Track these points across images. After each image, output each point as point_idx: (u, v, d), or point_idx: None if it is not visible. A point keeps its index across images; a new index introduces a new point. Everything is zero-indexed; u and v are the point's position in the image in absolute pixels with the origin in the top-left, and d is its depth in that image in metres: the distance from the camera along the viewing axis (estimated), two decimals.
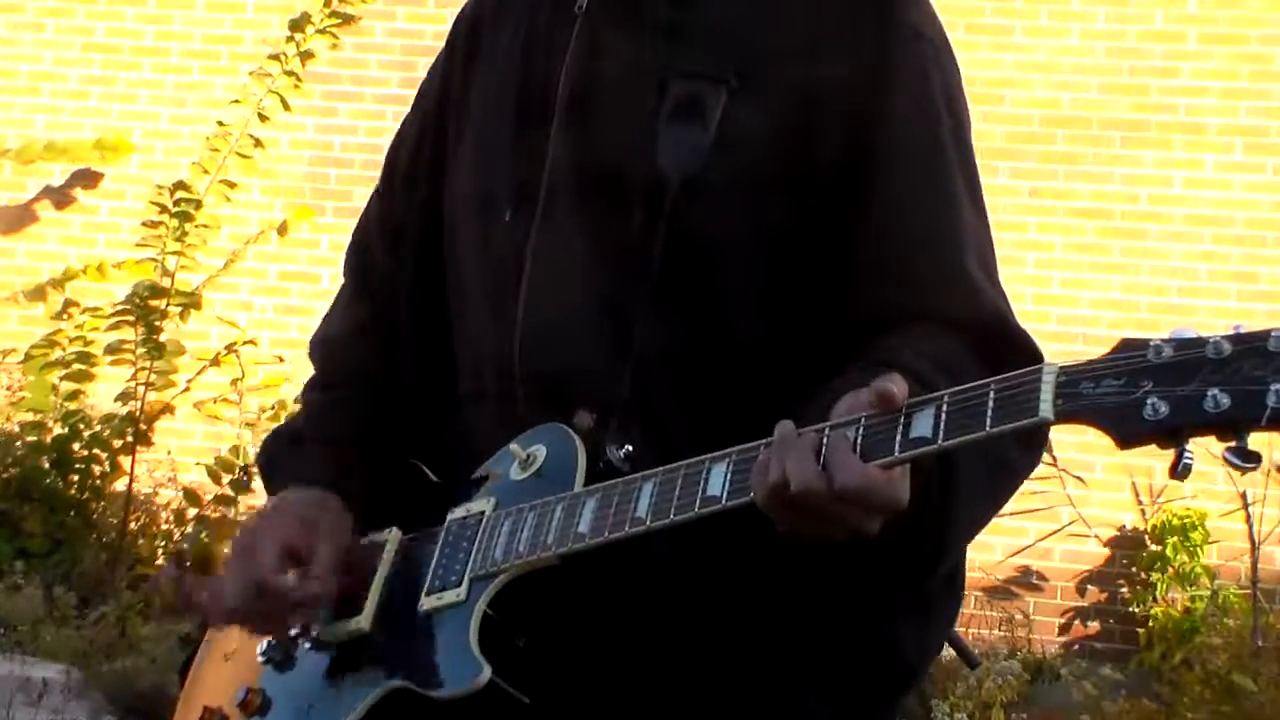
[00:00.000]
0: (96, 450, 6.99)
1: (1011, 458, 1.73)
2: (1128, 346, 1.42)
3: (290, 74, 7.10)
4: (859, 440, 1.53)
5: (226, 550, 1.93)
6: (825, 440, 1.54)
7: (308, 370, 2.16)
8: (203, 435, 7.64)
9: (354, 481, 1.97)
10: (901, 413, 1.52)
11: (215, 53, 8.15)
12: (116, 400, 6.97)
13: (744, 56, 1.83)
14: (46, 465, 7.04)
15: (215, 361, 7.06)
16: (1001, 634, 6.93)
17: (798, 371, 1.76)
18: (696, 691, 1.78)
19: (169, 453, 7.34)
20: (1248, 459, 1.36)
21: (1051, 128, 7.40)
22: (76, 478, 7.03)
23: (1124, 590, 7.12)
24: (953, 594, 1.86)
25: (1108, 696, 6.20)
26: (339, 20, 7.14)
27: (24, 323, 7.96)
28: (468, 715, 1.72)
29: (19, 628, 6.05)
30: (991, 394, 1.47)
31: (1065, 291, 7.30)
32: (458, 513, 1.85)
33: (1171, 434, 1.38)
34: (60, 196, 8.24)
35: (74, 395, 7.09)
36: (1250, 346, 1.36)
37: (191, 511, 7.01)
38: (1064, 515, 7.01)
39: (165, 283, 6.90)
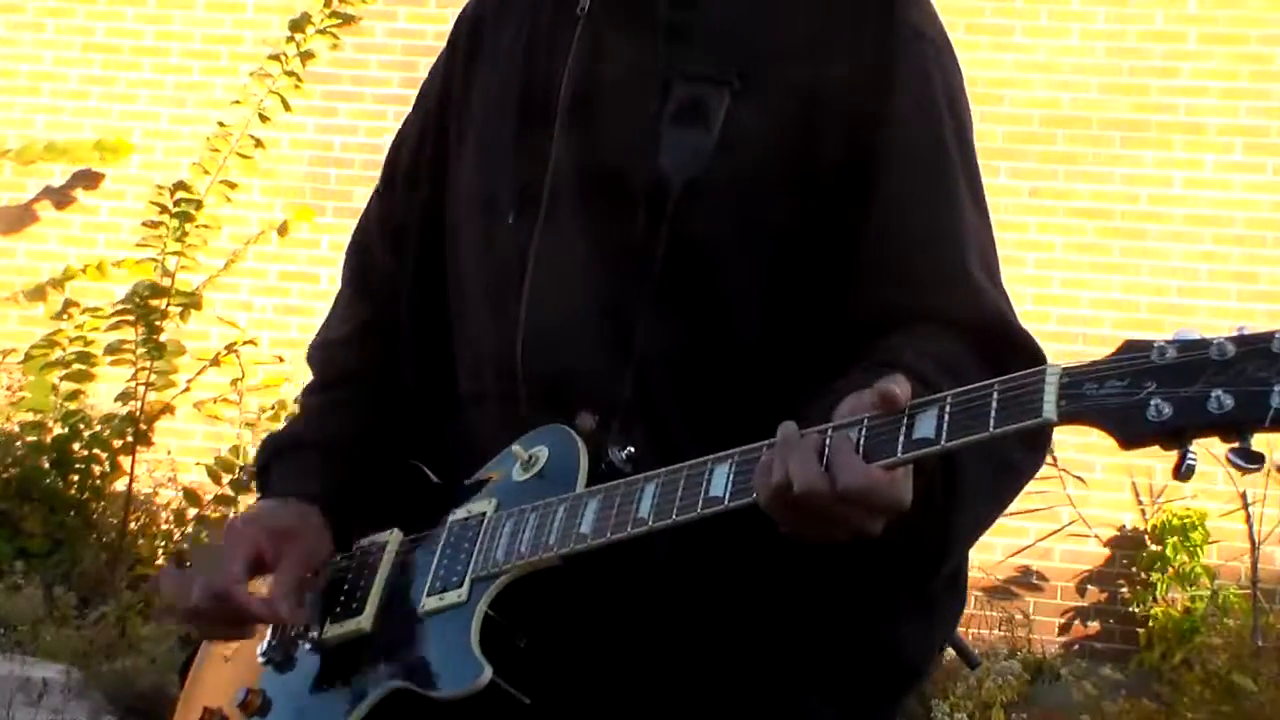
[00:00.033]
0: (96, 450, 7.00)
1: (1015, 458, 1.72)
2: (1131, 348, 1.42)
3: (291, 74, 7.11)
4: (862, 441, 1.53)
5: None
6: (828, 441, 1.54)
7: (308, 371, 2.15)
8: (203, 435, 7.64)
9: (344, 490, 1.97)
10: (905, 414, 1.52)
11: (215, 53, 8.15)
12: (116, 400, 6.97)
13: (746, 57, 1.83)
14: (46, 465, 7.04)
15: (215, 361, 7.06)
16: (1001, 634, 6.93)
17: (800, 372, 1.76)
18: (699, 692, 1.78)
19: (169, 453, 7.34)
20: (1251, 460, 1.36)
21: (1051, 128, 7.40)
22: (76, 478, 7.04)
23: (1124, 590, 7.12)
24: (956, 594, 1.86)
25: (1108, 696, 6.20)
26: (339, 21, 7.14)
27: (24, 323, 7.96)
28: (469, 716, 1.72)
29: (19, 628, 6.05)
30: (995, 395, 1.47)
31: (1065, 291, 7.30)
32: (459, 514, 1.84)
33: (1175, 435, 1.38)
34: (60, 197, 8.24)
35: (74, 395, 7.09)
36: (1254, 348, 1.36)
37: (191, 511, 7.01)
38: (1064, 515, 7.01)
39: (165, 283, 6.90)
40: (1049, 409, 1.43)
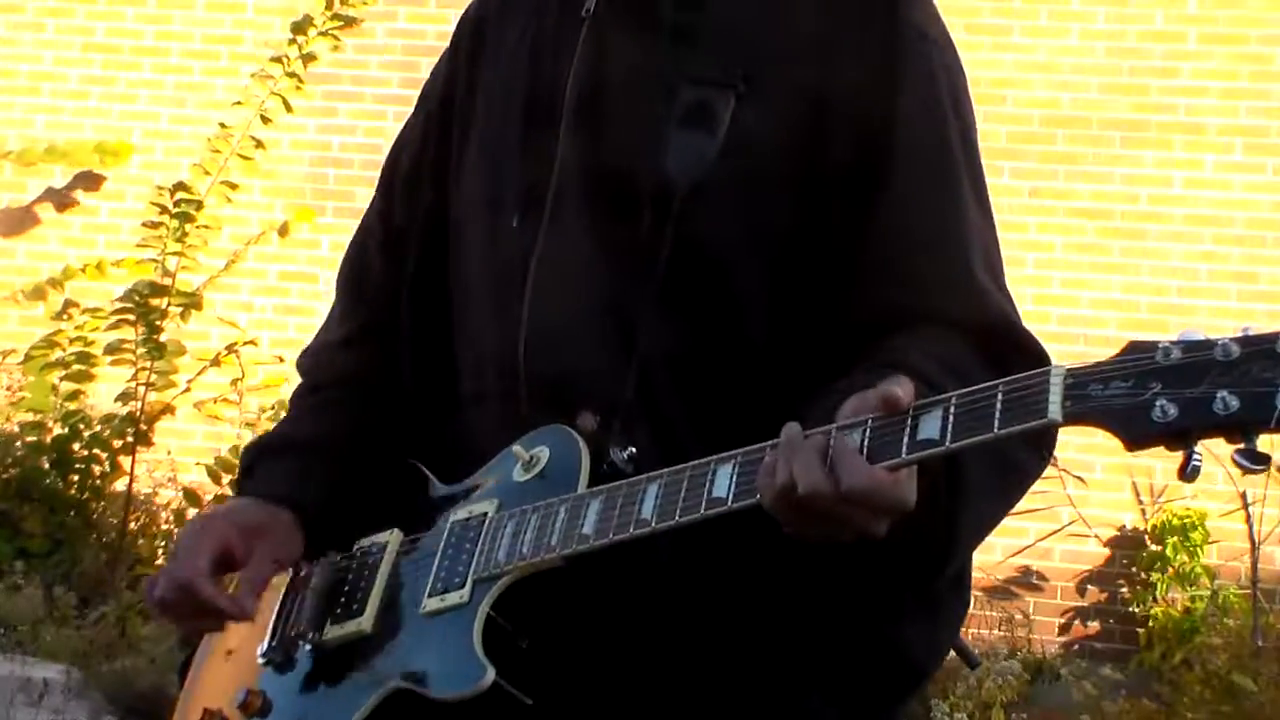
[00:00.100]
0: (96, 450, 7.00)
1: (1020, 458, 1.72)
2: (1136, 348, 1.42)
3: (292, 75, 7.11)
4: (866, 442, 1.53)
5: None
6: (832, 442, 1.54)
7: None
8: (203, 435, 7.64)
9: (334, 490, 1.98)
10: (909, 414, 1.52)
11: (215, 53, 8.14)
12: (116, 400, 6.97)
13: (751, 60, 1.83)
14: (46, 465, 7.04)
15: (215, 362, 7.06)
16: (1001, 634, 6.93)
17: (803, 373, 1.76)
18: (702, 693, 1.78)
19: (169, 453, 7.34)
20: (1257, 461, 1.36)
21: (1051, 128, 7.40)
22: (76, 478, 7.03)
23: (1124, 590, 7.12)
24: (960, 595, 1.86)
25: (1108, 696, 6.20)
26: (341, 23, 7.14)
27: (24, 323, 7.95)
28: (470, 717, 1.72)
29: (19, 628, 6.05)
30: (999, 396, 1.47)
31: (1065, 291, 7.29)
32: (460, 514, 1.84)
33: (1180, 436, 1.38)
34: (61, 198, 8.23)
35: (74, 395, 7.09)
36: (1259, 348, 1.36)
37: (191, 511, 7.00)
38: (1064, 515, 7.00)
39: (165, 283, 6.90)
40: (1054, 410, 1.43)
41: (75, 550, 6.76)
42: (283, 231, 7.56)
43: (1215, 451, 1.42)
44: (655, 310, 1.79)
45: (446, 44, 2.12)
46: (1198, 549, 6.87)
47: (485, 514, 1.81)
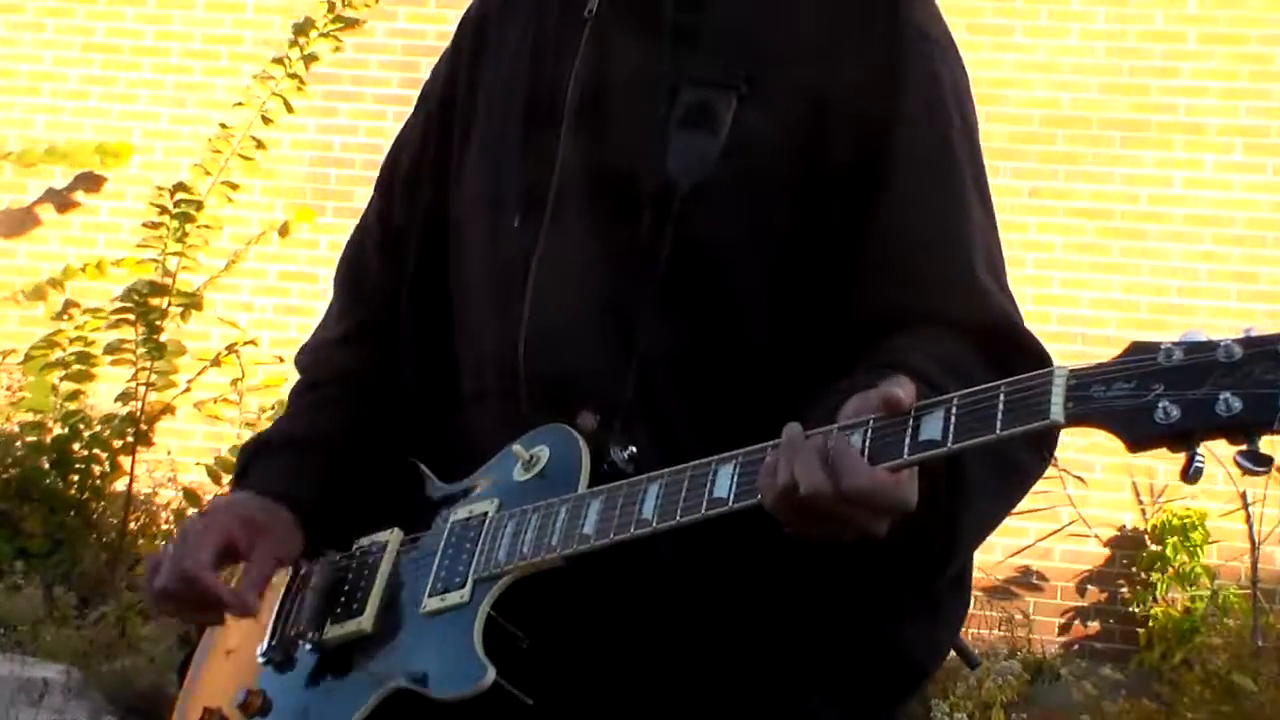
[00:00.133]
0: (96, 450, 7.00)
1: (1021, 459, 1.72)
2: (1138, 349, 1.42)
3: (293, 76, 7.11)
4: (868, 443, 1.53)
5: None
6: (833, 443, 1.54)
7: None
8: (203, 435, 7.64)
9: (329, 487, 1.98)
10: (910, 415, 1.52)
11: (215, 53, 8.14)
12: (116, 400, 6.97)
13: (752, 60, 1.83)
14: (46, 465, 7.04)
15: (216, 362, 7.06)
16: (1001, 634, 6.93)
17: (804, 373, 1.76)
18: (702, 693, 1.78)
19: (169, 453, 7.34)
20: (1260, 463, 1.36)
21: (1051, 128, 7.40)
22: (76, 478, 7.04)
23: (1124, 590, 7.12)
24: (960, 595, 1.86)
25: (1108, 696, 6.20)
26: (342, 24, 7.14)
27: (24, 323, 7.95)
28: (471, 717, 1.72)
29: (19, 628, 6.05)
30: (1001, 397, 1.47)
31: (1065, 291, 7.29)
32: (460, 513, 1.84)
33: (1183, 437, 1.38)
34: (61, 199, 8.23)
35: (74, 395, 7.09)
36: (1261, 350, 1.36)
37: (191, 511, 7.00)
38: (1064, 515, 7.00)
39: (166, 283, 6.90)
40: (1056, 411, 1.43)
41: (75, 550, 6.76)
42: (283, 231, 7.56)
43: (1215, 452, 1.42)
44: (656, 310, 1.79)
45: (446, 44, 2.12)
46: (1198, 549, 6.87)
47: (485, 513, 1.81)
